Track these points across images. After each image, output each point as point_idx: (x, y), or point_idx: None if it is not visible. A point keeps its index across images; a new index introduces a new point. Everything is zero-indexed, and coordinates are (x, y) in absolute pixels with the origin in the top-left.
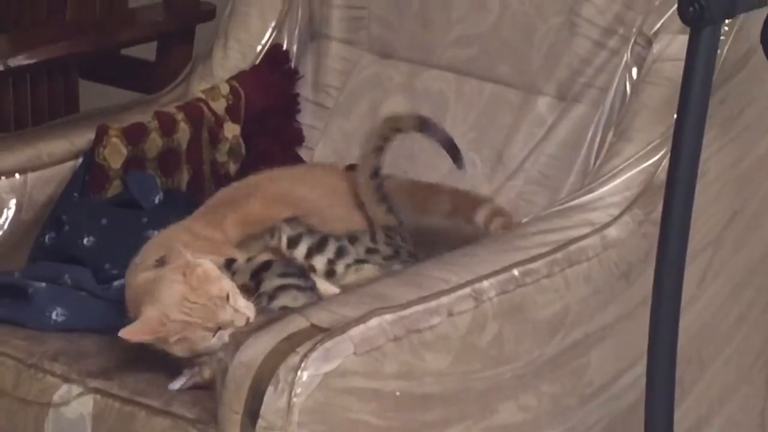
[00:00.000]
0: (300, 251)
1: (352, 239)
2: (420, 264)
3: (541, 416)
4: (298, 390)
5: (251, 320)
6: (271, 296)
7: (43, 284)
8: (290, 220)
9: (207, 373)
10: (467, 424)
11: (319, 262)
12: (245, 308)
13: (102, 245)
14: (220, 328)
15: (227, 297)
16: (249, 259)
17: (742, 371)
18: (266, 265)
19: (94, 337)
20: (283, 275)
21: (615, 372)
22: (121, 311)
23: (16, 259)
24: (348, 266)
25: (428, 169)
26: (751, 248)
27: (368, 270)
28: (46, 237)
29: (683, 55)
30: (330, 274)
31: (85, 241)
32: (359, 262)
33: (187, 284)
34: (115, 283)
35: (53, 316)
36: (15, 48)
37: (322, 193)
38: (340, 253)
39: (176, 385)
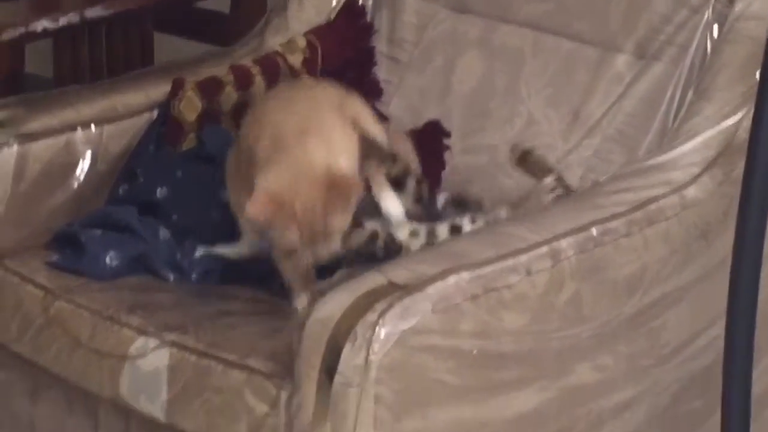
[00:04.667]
0: None
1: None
2: (499, 222)
3: (617, 377)
4: (376, 347)
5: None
6: None
7: (98, 231)
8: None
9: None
10: (543, 383)
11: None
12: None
13: (175, 196)
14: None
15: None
16: None
17: None
18: None
19: (170, 290)
20: None
21: (692, 333)
22: (169, 254)
23: (91, 209)
24: None
25: (504, 125)
26: None
27: None
28: (120, 188)
29: (766, 13)
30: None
31: (158, 192)
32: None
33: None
34: (162, 232)
35: (107, 260)
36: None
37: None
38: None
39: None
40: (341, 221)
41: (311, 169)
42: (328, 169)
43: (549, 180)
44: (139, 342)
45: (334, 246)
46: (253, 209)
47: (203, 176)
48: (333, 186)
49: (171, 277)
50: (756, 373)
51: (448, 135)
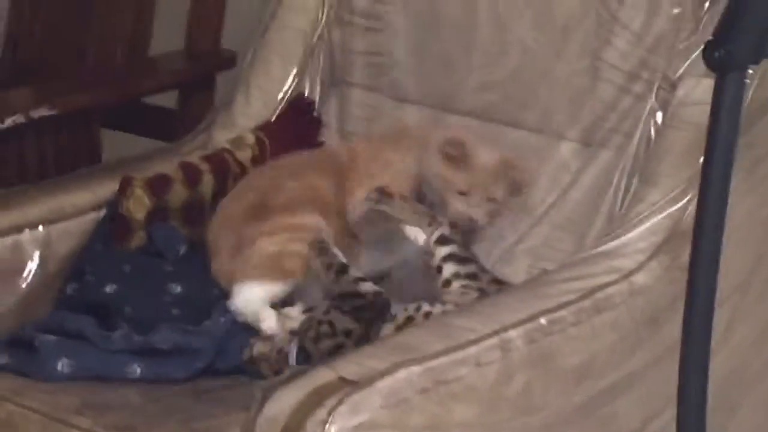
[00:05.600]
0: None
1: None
2: (446, 313)
3: None
4: None
5: None
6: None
7: (51, 337)
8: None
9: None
10: None
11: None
12: None
13: (125, 291)
14: None
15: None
16: None
17: None
18: None
19: (118, 389)
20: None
21: (643, 419)
22: (123, 360)
23: (41, 311)
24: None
25: None
26: None
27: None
28: (69, 287)
29: (708, 98)
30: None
31: (107, 288)
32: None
33: None
34: (116, 334)
35: (59, 367)
36: (37, 100)
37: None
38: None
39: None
40: (503, 197)
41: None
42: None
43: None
44: None
45: (481, 217)
46: (449, 139)
47: (152, 270)
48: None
49: (137, 370)
50: None
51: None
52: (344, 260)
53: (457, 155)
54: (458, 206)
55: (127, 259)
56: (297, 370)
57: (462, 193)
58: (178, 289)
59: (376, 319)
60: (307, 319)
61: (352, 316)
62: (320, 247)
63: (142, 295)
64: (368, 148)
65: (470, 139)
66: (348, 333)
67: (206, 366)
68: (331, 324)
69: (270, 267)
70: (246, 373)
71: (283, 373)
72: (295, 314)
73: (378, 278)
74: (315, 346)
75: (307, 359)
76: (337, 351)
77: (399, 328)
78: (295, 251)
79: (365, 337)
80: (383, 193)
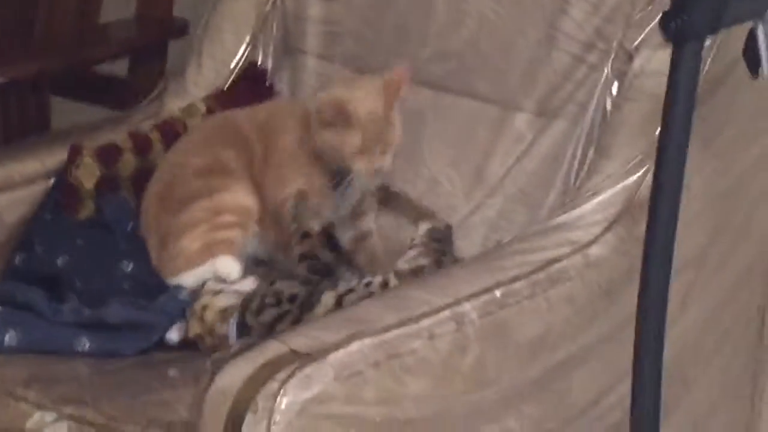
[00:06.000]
0: None
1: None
2: (400, 286)
3: None
4: (277, 417)
5: None
6: None
7: None
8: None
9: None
10: None
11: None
12: None
13: (77, 265)
14: None
15: None
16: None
17: (727, 388)
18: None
19: (66, 362)
20: None
21: (598, 392)
22: (72, 333)
23: None
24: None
25: (406, 185)
26: (735, 265)
27: None
28: (17, 258)
29: (665, 69)
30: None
31: (59, 261)
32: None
33: None
34: (66, 306)
35: (5, 339)
36: None
37: None
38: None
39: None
40: (397, 131)
41: (368, 78)
42: (382, 77)
43: (423, 227)
44: (36, 416)
45: (387, 164)
46: (320, 106)
47: (105, 245)
48: (388, 87)
49: (86, 343)
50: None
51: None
52: (315, 226)
53: (334, 118)
54: (360, 165)
55: (78, 232)
56: (247, 343)
57: (360, 152)
58: (130, 267)
59: (324, 284)
60: (251, 292)
61: (300, 280)
62: (294, 213)
63: (93, 269)
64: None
65: (344, 93)
66: (293, 298)
67: (158, 341)
68: (276, 293)
69: (199, 260)
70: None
71: (230, 348)
72: (248, 287)
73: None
74: (255, 319)
75: (247, 332)
76: (279, 320)
77: (339, 297)
78: (219, 239)
79: (308, 303)
80: (302, 197)
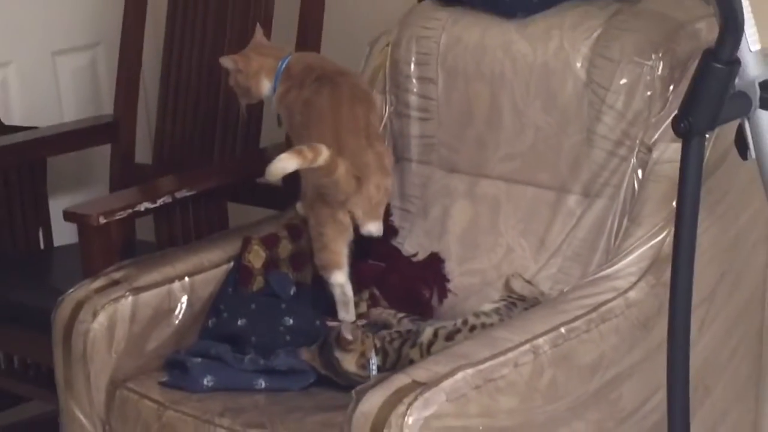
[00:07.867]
0: None
1: None
2: (490, 327)
3: None
4: (406, 431)
5: None
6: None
7: (198, 359)
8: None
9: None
10: None
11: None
12: None
13: (251, 324)
14: None
15: None
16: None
17: (736, 393)
18: None
19: (249, 397)
20: None
21: (641, 399)
22: (252, 377)
23: (190, 341)
24: None
25: (489, 253)
26: (738, 298)
27: None
28: (210, 322)
29: (677, 158)
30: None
31: (239, 322)
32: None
33: None
34: (246, 358)
35: (205, 382)
36: (179, 184)
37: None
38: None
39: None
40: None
41: None
42: None
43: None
44: None
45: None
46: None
47: (271, 307)
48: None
49: (263, 383)
50: (693, 427)
51: (442, 260)
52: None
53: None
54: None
55: (252, 299)
56: (380, 377)
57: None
58: (291, 321)
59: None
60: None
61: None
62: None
63: (264, 327)
64: None
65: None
66: (408, 332)
67: (315, 381)
68: (397, 331)
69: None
70: (344, 387)
71: (369, 381)
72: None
73: None
74: (390, 345)
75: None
76: (403, 344)
77: (435, 330)
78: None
79: (416, 333)
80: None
